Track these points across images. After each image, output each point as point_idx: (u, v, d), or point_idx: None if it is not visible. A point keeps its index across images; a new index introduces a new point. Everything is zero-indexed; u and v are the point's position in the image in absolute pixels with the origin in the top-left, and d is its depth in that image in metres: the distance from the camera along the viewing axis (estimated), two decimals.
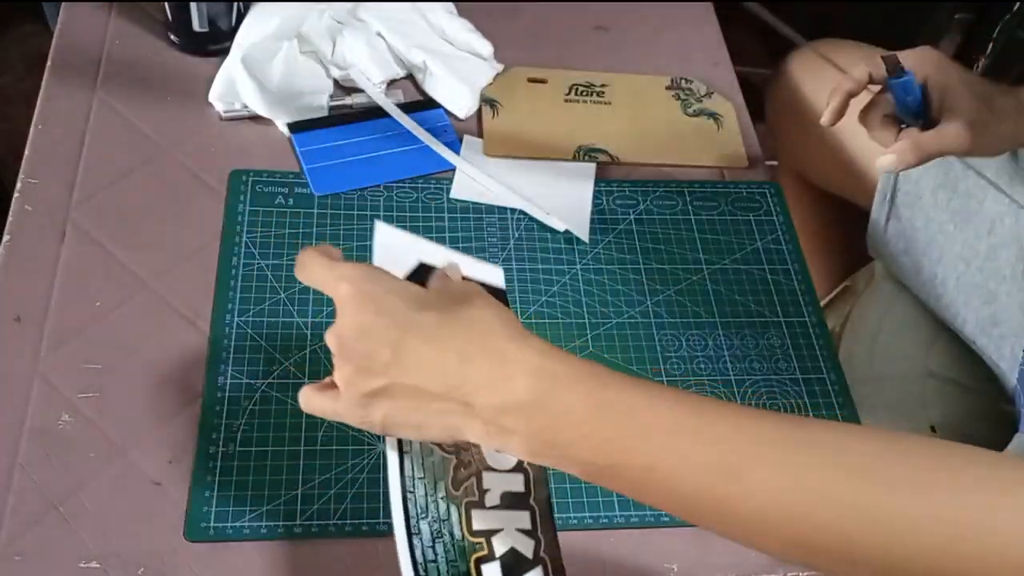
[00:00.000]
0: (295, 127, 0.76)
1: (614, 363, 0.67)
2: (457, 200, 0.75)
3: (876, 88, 0.66)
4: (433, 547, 0.46)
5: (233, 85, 0.75)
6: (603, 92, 0.85)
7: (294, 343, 0.65)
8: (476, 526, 0.47)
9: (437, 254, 0.48)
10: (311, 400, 0.45)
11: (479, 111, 0.81)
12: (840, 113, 0.66)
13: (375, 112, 0.79)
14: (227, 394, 0.61)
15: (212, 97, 0.76)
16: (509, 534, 0.47)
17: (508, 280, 0.70)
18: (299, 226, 0.71)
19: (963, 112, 0.61)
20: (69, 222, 0.68)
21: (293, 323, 0.66)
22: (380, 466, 0.59)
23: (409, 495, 0.46)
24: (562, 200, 0.76)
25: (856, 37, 0.94)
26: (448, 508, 0.47)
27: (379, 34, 0.81)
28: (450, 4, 0.86)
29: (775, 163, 1.02)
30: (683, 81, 0.87)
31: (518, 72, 0.85)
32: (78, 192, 0.70)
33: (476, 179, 0.76)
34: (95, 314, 0.64)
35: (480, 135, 0.80)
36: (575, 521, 0.59)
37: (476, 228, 0.73)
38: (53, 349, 0.62)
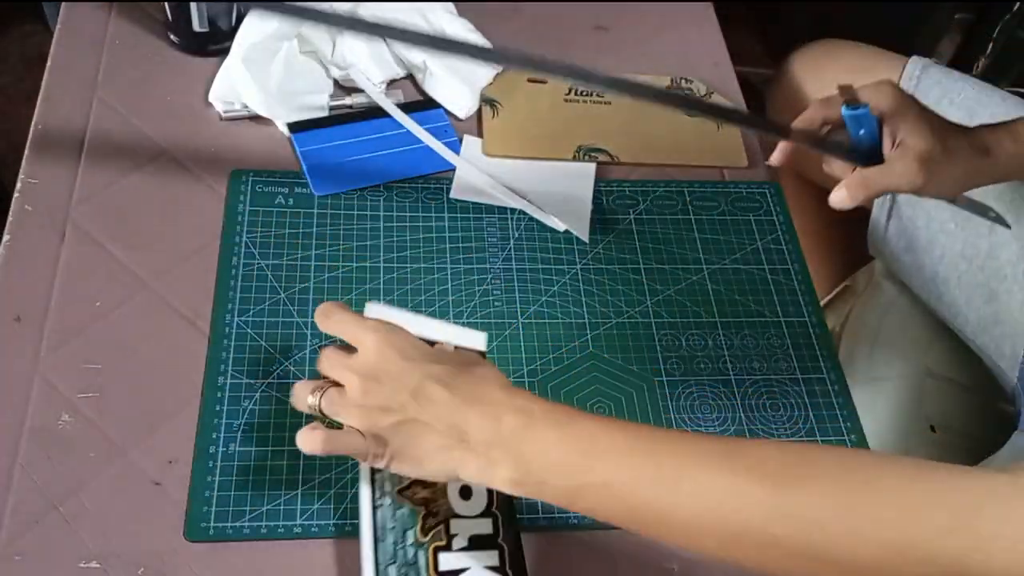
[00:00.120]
0: (295, 127, 0.76)
1: (614, 363, 0.68)
2: (457, 200, 0.75)
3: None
4: None
5: (233, 85, 0.75)
6: (603, 92, 0.85)
7: (294, 343, 0.65)
8: (443, 567, 0.54)
9: (427, 327, 0.54)
10: (299, 436, 0.49)
11: (479, 111, 0.81)
12: (788, 157, 0.64)
13: (375, 112, 0.79)
14: (227, 394, 0.61)
15: (212, 97, 0.76)
16: (477, 571, 0.54)
17: (508, 280, 0.71)
18: (299, 226, 0.71)
19: (915, 150, 0.59)
20: (69, 222, 0.68)
21: (293, 323, 0.66)
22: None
23: (380, 543, 0.54)
24: (562, 200, 0.76)
25: (856, 37, 0.94)
26: (416, 553, 0.54)
27: None
28: (450, 4, 0.86)
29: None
30: (683, 81, 0.87)
31: (518, 72, 0.85)
32: (78, 192, 0.70)
33: (476, 179, 0.76)
34: (95, 314, 0.64)
35: (480, 135, 0.80)
36: (575, 521, 0.59)
37: (476, 228, 0.73)
38: (53, 349, 0.62)
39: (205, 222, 0.70)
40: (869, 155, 0.62)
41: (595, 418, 0.49)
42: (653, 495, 0.45)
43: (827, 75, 0.89)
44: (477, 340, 0.56)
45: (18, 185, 0.69)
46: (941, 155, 0.59)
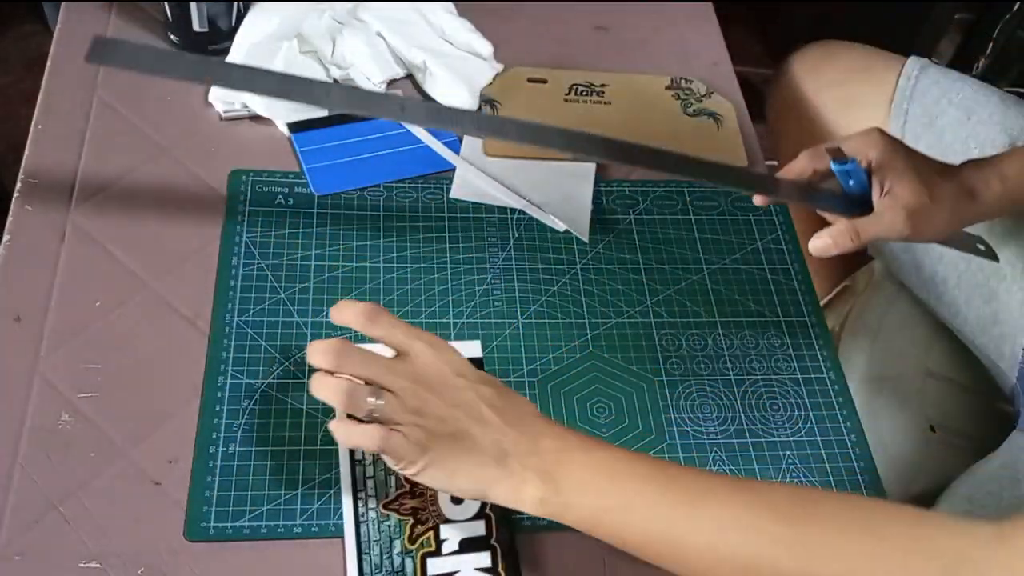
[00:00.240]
0: (295, 127, 0.76)
1: (614, 362, 0.68)
2: (457, 200, 0.75)
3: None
4: None
5: None
6: (603, 92, 0.85)
7: (294, 343, 0.65)
8: (431, 572, 0.55)
9: None
10: (352, 433, 0.50)
11: (479, 111, 0.81)
12: (766, 200, 0.66)
13: None
14: (227, 394, 0.61)
15: (212, 97, 0.76)
16: (467, 573, 0.55)
17: (508, 280, 0.71)
18: (299, 226, 0.71)
19: (902, 200, 0.61)
20: (69, 222, 0.68)
21: (293, 323, 0.66)
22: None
23: (365, 556, 0.55)
24: (562, 200, 0.76)
25: (856, 37, 0.94)
26: (403, 561, 0.55)
27: (379, 34, 0.81)
28: (450, 4, 0.86)
29: (775, 163, 1.02)
30: (683, 81, 0.87)
31: (518, 72, 0.85)
32: (78, 192, 0.70)
33: (476, 179, 0.76)
34: (95, 314, 0.64)
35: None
36: None
37: (476, 228, 0.73)
38: (53, 349, 0.62)
39: (205, 222, 0.70)
40: (860, 203, 0.63)
41: (622, 449, 0.52)
42: (669, 522, 0.48)
43: (826, 75, 0.89)
44: (473, 348, 0.56)
45: (18, 185, 0.69)
46: (928, 204, 0.61)
